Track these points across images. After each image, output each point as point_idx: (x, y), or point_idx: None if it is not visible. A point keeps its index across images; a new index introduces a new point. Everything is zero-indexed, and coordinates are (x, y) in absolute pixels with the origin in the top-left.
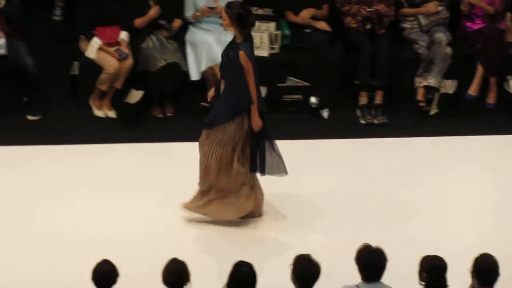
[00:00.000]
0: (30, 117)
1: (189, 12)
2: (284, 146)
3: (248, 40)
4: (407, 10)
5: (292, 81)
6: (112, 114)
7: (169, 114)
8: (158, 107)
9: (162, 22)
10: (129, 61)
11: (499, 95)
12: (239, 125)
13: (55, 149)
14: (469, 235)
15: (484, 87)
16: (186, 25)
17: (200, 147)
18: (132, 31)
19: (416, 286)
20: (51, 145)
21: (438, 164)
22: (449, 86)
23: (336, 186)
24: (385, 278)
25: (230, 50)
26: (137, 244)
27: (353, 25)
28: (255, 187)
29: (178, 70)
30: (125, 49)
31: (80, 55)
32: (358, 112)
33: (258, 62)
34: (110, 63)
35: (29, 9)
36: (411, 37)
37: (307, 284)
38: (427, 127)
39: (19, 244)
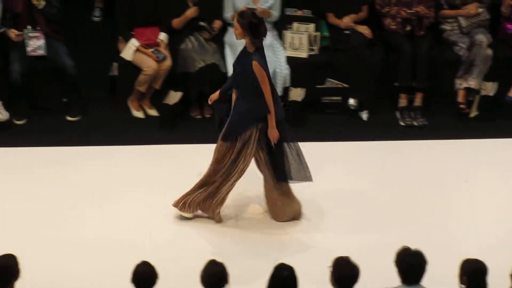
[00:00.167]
0: (69, 118)
1: (228, 13)
2: (323, 148)
3: (260, 50)
4: (447, 12)
5: (331, 82)
6: (153, 112)
7: (207, 115)
8: (197, 108)
9: (203, 23)
10: (168, 63)
11: None
12: (252, 135)
13: (94, 150)
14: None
15: None
16: (225, 26)
17: (217, 162)
18: (172, 33)
19: None
20: (89, 146)
21: (478, 167)
22: (490, 88)
23: (375, 188)
24: (423, 281)
25: (242, 60)
26: (178, 246)
27: (393, 27)
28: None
29: (217, 71)
30: (163, 50)
31: (119, 56)
32: (398, 114)
33: (297, 63)
34: (148, 64)
35: (68, 10)
36: (451, 39)
37: (347, 286)
38: (467, 129)
39: (59, 246)
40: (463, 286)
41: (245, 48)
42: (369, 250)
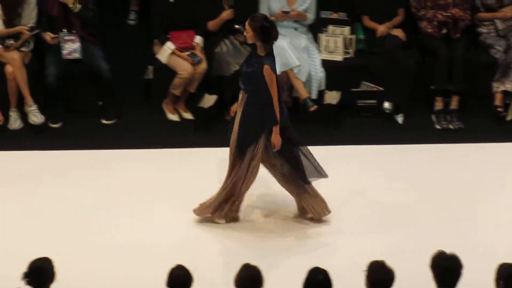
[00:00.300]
0: (105, 121)
1: None
2: (358, 152)
3: (271, 54)
4: (483, 15)
5: (366, 85)
6: (188, 115)
7: None
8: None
9: (238, 26)
10: (203, 66)
11: None
12: (259, 144)
13: (129, 153)
14: None
15: None
16: None
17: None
18: (207, 36)
19: None
20: (124, 149)
21: None
22: None
23: (411, 192)
24: (459, 285)
25: (252, 62)
26: (212, 250)
27: (429, 30)
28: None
29: None
30: (199, 54)
31: (154, 59)
32: (434, 117)
33: (332, 66)
34: (184, 67)
35: (104, 13)
36: (487, 41)
37: None
38: (503, 132)
39: (93, 250)
40: None
41: (255, 50)
42: (403, 254)
